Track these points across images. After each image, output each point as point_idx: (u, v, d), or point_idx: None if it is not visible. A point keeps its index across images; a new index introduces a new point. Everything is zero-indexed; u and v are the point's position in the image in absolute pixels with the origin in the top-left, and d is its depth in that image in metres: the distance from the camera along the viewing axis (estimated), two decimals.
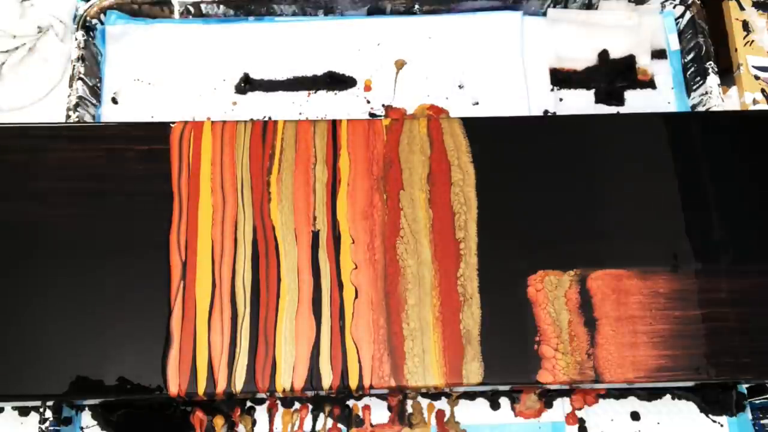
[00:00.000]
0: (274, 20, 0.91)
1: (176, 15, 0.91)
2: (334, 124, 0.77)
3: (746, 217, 0.74)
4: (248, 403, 0.75)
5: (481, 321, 0.70)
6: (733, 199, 0.75)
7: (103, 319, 0.69)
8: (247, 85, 0.88)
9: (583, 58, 0.91)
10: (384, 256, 0.72)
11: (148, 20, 0.90)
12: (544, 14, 0.92)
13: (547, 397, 0.75)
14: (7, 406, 0.75)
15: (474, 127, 0.77)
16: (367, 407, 0.75)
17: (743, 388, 0.76)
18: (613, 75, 0.89)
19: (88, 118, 0.84)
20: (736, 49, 0.90)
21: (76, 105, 0.83)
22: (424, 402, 0.75)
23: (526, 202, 0.74)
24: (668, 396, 0.76)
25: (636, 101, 0.89)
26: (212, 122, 0.77)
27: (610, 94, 0.89)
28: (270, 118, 0.87)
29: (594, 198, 0.74)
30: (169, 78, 0.88)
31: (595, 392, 0.76)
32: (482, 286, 0.71)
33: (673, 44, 0.92)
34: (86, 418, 0.74)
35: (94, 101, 0.86)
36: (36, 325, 0.69)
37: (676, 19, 0.92)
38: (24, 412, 0.75)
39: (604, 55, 0.90)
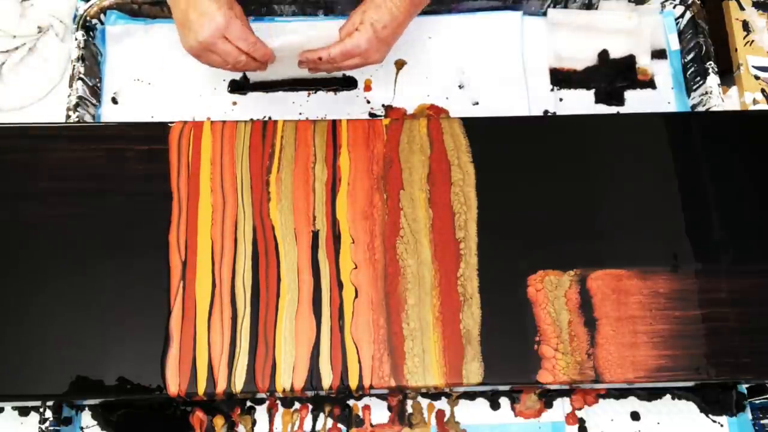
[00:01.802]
0: (274, 20, 0.91)
1: None
2: (334, 124, 0.77)
3: (746, 217, 0.74)
4: (248, 403, 0.75)
5: (481, 321, 0.70)
6: (733, 199, 0.75)
7: (103, 319, 0.69)
8: (246, 84, 0.88)
9: (583, 58, 0.90)
10: (384, 256, 0.72)
11: (148, 20, 0.90)
12: (544, 14, 0.92)
13: (547, 397, 0.75)
14: (7, 406, 0.75)
15: (474, 127, 0.77)
16: (367, 407, 0.75)
17: (743, 388, 0.76)
18: (613, 75, 0.89)
19: (88, 118, 0.84)
20: (736, 49, 0.90)
21: (76, 105, 0.83)
22: (424, 402, 0.75)
23: (526, 202, 0.74)
24: (668, 396, 0.76)
25: (636, 101, 0.89)
26: (212, 122, 0.77)
27: (610, 94, 0.89)
28: (270, 118, 0.87)
29: (594, 198, 0.74)
30: (169, 78, 0.88)
31: (595, 392, 0.76)
32: (482, 286, 0.71)
33: (673, 44, 0.92)
34: (86, 418, 0.74)
35: (94, 101, 0.86)
36: (36, 325, 0.69)
37: (676, 19, 0.92)
38: (24, 412, 0.75)
39: (604, 55, 0.90)
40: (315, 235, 0.72)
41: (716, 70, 0.87)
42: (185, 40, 0.73)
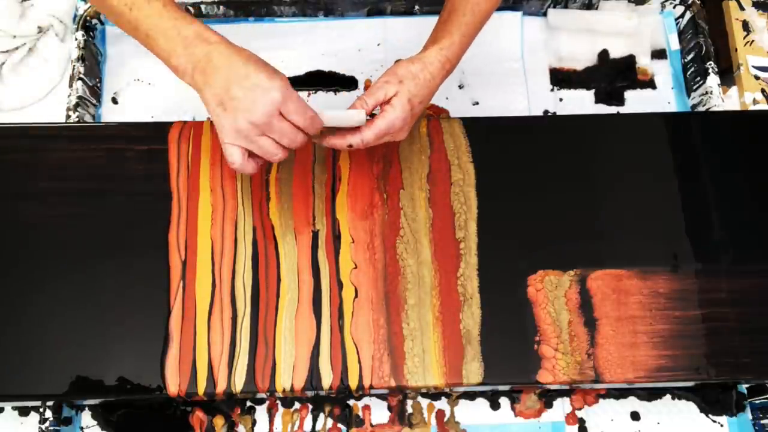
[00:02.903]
0: (274, 20, 0.91)
1: None
2: None
3: (746, 217, 0.74)
4: (248, 403, 0.75)
5: (481, 321, 0.70)
6: (733, 199, 0.75)
7: (103, 319, 0.69)
8: None
9: (583, 58, 0.91)
10: (384, 255, 0.72)
11: None
12: (544, 14, 0.92)
13: (547, 397, 0.75)
14: (7, 406, 0.75)
15: (474, 127, 0.77)
16: (367, 407, 0.75)
17: (743, 388, 0.76)
18: (613, 75, 0.89)
19: (88, 118, 0.84)
20: (736, 49, 0.90)
21: (76, 105, 0.83)
22: (424, 402, 0.75)
23: (526, 202, 0.74)
24: (668, 396, 0.76)
25: (636, 101, 0.89)
26: (212, 122, 0.76)
27: (610, 94, 0.89)
28: None
29: (594, 198, 0.74)
30: (169, 78, 0.87)
31: (595, 392, 0.76)
32: (482, 286, 0.71)
33: (673, 44, 0.92)
34: (86, 418, 0.74)
35: (94, 101, 0.86)
36: (36, 325, 0.68)
37: (676, 19, 0.92)
38: (24, 412, 0.75)
39: (604, 55, 0.90)
40: (315, 235, 0.72)
41: (716, 70, 0.87)
42: (230, 123, 0.58)
